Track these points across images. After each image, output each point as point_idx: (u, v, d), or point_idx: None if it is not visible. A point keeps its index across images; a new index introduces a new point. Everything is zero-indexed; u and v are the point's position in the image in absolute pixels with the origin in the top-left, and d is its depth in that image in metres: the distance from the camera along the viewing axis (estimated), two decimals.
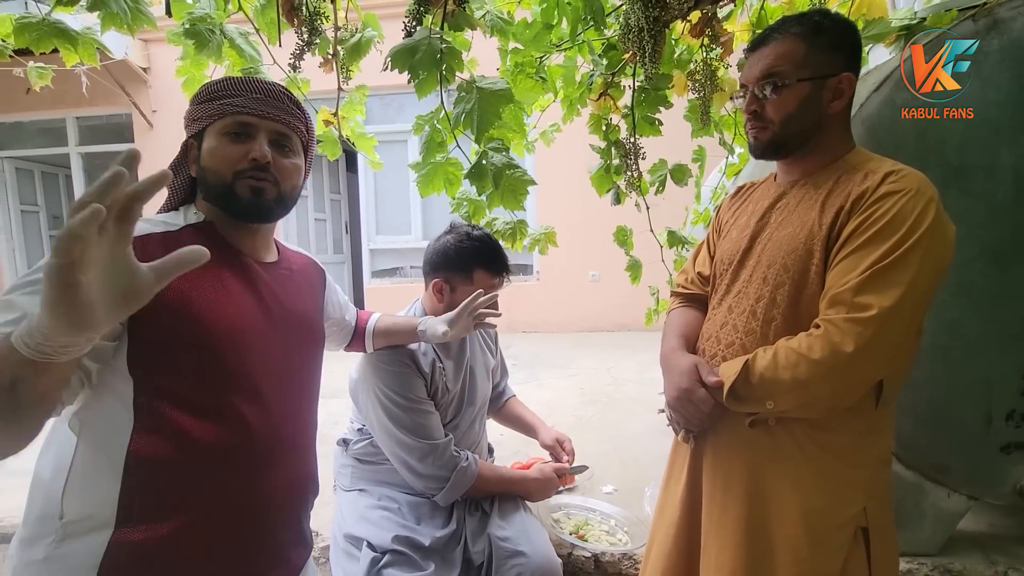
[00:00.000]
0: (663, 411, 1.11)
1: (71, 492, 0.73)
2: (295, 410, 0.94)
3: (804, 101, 0.94)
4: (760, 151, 1.02)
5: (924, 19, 1.34)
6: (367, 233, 6.09)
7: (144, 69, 5.82)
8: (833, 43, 0.94)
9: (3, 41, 1.24)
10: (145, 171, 0.48)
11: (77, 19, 1.38)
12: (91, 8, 1.08)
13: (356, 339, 1.30)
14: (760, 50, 0.98)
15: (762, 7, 1.57)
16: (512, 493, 1.44)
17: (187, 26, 1.25)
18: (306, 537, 0.99)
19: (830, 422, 0.91)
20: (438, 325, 1.27)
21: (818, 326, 0.87)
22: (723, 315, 1.05)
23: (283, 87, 0.91)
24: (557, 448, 1.66)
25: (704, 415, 0.97)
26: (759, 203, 1.07)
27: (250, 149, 0.84)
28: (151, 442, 0.74)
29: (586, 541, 1.52)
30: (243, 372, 0.82)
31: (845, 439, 0.92)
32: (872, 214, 0.86)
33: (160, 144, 5.85)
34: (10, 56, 1.27)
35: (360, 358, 1.44)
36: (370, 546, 1.22)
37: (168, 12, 1.22)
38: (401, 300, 1.44)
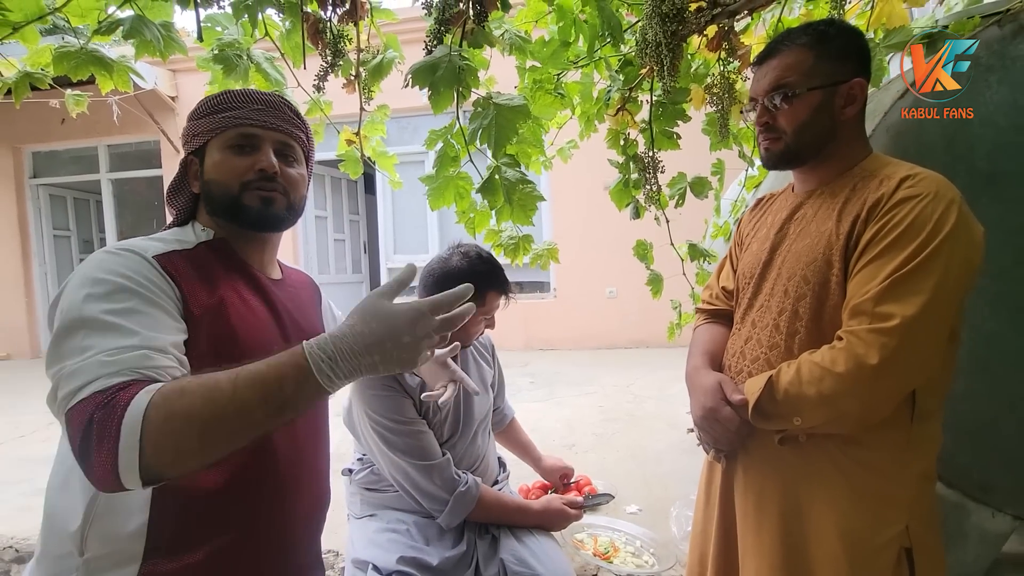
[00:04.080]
0: (692, 431, 1.09)
1: (96, 528, 0.70)
2: (315, 430, 0.94)
3: (816, 109, 0.94)
4: (773, 162, 1.02)
5: (946, 27, 1.32)
6: (385, 253, 6.16)
7: (172, 98, 6.03)
8: (841, 50, 0.94)
9: (43, 70, 1.30)
10: None
11: (110, 50, 1.43)
12: (127, 36, 1.13)
13: None
14: (768, 62, 0.98)
15: (779, 20, 1.57)
16: (514, 525, 1.38)
17: (216, 52, 1.30)
18: (320, 561, 0.99)
19: (864, 437, 0.88)
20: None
21: (841, 338, 0.85)
22: (747, 330, 1.03)
23: (282, 97, 0.89)
24: (559, 485, 1.70)
25: (732, 434, 0.95)
26: (778, 215, 1.06)
27: (256, 160, 0.83)
28: None
29: (611, 563, 1.47)
30: None
31: (882, 455, 0.88)
32: (889, 221, 0.84)
33: None
34: (49, 85, 1.33)
35: (350, 386, 1.40)
36: (375, 568, 1.18)
37: (200, 38, 1.27)
38: None
